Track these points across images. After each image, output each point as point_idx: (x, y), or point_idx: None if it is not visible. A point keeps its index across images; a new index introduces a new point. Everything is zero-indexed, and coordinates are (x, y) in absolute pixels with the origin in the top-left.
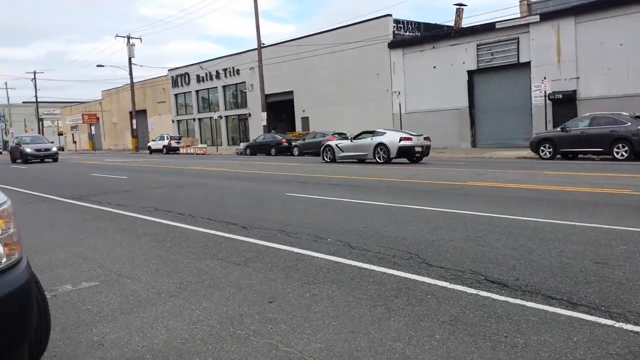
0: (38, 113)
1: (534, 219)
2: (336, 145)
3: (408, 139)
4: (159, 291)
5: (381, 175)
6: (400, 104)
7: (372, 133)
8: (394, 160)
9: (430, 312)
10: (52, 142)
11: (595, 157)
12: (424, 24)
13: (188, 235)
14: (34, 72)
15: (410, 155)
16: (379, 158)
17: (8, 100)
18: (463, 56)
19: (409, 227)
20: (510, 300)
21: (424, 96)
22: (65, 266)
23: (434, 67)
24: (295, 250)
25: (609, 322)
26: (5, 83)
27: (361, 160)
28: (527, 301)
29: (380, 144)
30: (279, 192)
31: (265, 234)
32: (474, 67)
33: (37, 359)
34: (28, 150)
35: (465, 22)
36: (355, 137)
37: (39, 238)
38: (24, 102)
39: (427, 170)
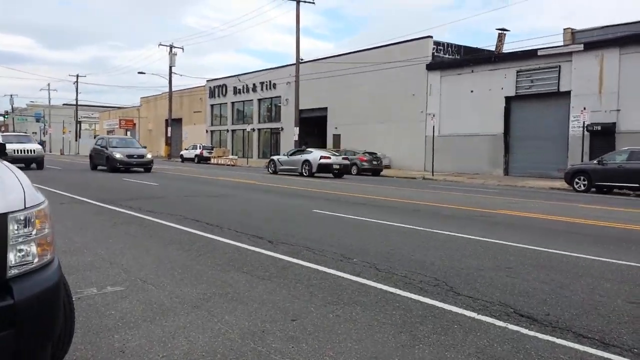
0: (77, 116)
1: (567, 253)
2: (277, 159)
3: (327, 157)
4: (183, 301)
5: (410, 198)
6: (434, 127)
7: (302, 151)
8: (316, 175)
9: (456, 342)
10: (145, 147)
11: (631, 192)
12: (464, 47)
13: (215, 246)
14: (77, 76)
15: (329, 170)
16: (304, 172)
17: (49, 101)
18: (502, 82)
19: (437, 252)
20: (540, 335)
21: (459, 120)
22: (92, 269)
23: (472, 91)
24: (321, 268)
25: None
26: (48, 84)
27: (293, 172)
28: (557, 338)
29: (305, 161)
30: (307, 208)
31: (291, 250)
32: (512, 93)
33: None
34: (118, 155)
35: (507, 48)
36: (291, 154)
37: (68, 239)
38: (64, 104)
39: (458, 195)
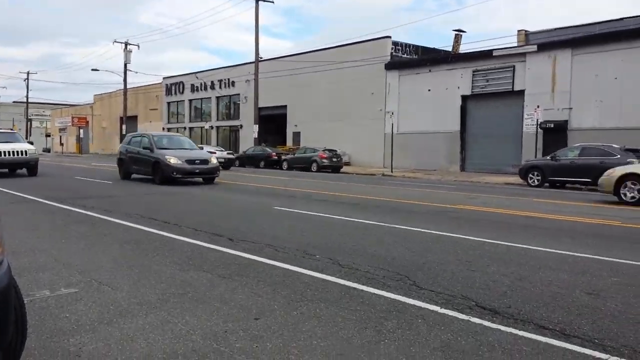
0: (27, 113)
1: (524, 246)
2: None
3: (213, 152)
4: (141, 302)
5: (370, 194)
6: (392, 124)
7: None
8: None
9: (421, 337)
10: (202, 147)
11: (583, 187)
12: (422, 47)
13: (173, 245)
14: (27, 73)
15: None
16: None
17: None
18: (458, 81)
19: (399, 247)
20: (502, 328)
21: (417, 118)
22: (45, 270)
23: (429, 90)
24: (283, 265)
25: (603, 355)
26: None
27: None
28: (519, 330)
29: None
30: (267, 205)
31: (252, 247)
32: (468, 92)
33: None
34: (172, 161)
35: (463, 49)
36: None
37: (19, 240)
38: (14, 102)
39: (417, 191)
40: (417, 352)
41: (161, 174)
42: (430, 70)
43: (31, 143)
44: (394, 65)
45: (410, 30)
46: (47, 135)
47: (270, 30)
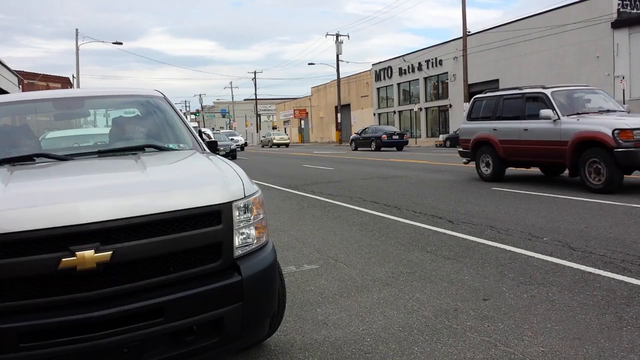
0: (257, 109)
1: None
2: None
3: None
4: (373, 279)
5: None
6: (624, 90)
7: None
8: None
9: None
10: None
11: None
12: None
13: (395, 227)
14: (254, 72)
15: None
16: None
17: (232, 98)
18: None
19: (638, 228)
20: None
21: None
22: (289, 249)
23: None
24: (508, 247)
25: None
26: (230, 83)
27: None
28: None
29: None
30: (484, 186)
31: (473, 229)
32: None
33: (273, 331)
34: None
35: None
36: None
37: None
38: (245, 99)
39: None
40: None
41: None
42: None
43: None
44: (622, 23)
45: None
46: (274, 128)
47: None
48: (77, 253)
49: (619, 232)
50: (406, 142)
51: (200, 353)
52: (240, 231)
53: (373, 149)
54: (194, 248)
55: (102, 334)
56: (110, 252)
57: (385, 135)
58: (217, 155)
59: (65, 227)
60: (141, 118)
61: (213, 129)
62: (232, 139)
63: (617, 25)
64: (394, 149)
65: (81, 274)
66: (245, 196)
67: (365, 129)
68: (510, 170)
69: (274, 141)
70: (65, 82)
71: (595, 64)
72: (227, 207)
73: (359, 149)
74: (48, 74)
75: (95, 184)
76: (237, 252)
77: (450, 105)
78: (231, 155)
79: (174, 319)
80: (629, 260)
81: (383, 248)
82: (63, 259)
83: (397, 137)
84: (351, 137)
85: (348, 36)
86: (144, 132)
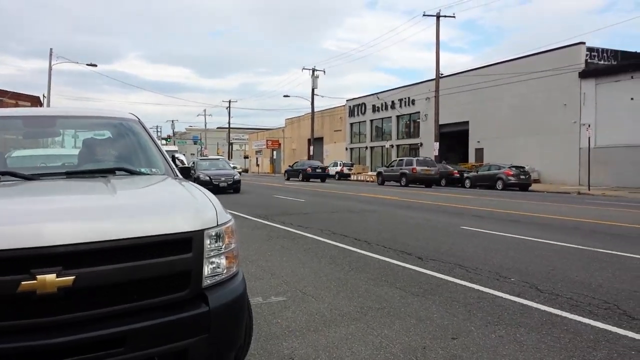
0: (229, 138)
1: None
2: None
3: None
4: (342, 313)
5: (566, 214)
6: (589, 138)
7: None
8: None
9: None
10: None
11: None
12: (621, 52)
13: (365, 261)
14: (229, 101)
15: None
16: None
17: (205, 125)
18: None
19: (604, 273)
20: None
21: (618, 130)
22: (256, 279)
23: (632, 98)
24: (476, 287)
25: None
26: (204, 110)
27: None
28: None
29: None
30: (453, 225)
31: (442, 267)
32: None
33: None
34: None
35: None
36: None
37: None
38: (217, 128)
39: (624, 212)
40: None
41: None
42: (632, 77)
43: (234, 167)
44: (589, 73)
45: (601, 35)
46: (246, 157)
47: (448, 45)
48: (37, 276)
49: (585, 275)
50: (327, 175)
51: None
52: (211, 260)
53: (300, 179)
54: (161, 276)
55: None
56: (73, 277)
57: (309, 169)
58: (190, 182)
59: (27, 248)
60: (113, 140)
61: (184, 154)
62: (234, 167)
63: (584, 75)
64: (319, 180)
65: (40, 299)
66: (218, 224)
67: (296, 162)
68: (476, 210)
69: None
70: (35, 101)
71: (563, 111)
72: (199, 235)
73: (290, 179)
74: (18, 92)
75: (61, 206)
76: (206, 282)
77: (421, 144)
78: (233, 188)
79: (135, 349)
80: (594, 304)
81: (352, 282)
82: (22, 282)
83: (319, 170)
84: (285, 169)
85: (324, 71)
86: (116, 155)
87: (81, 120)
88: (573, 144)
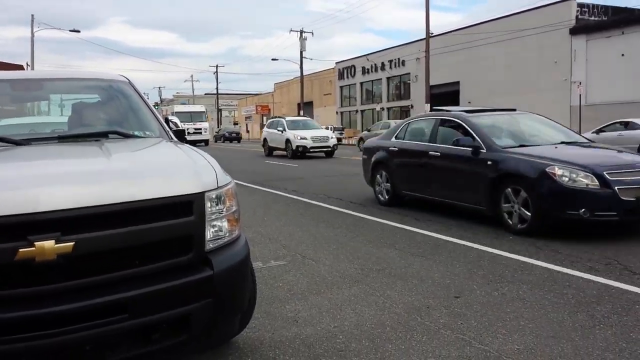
0: (218, 104)
1: None
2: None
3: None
4: (343, 275)
5: None
6: (580, 95)
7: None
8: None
9: None
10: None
11: None
12: (612, 7)
13: (363, 224)
14: (217, 66)
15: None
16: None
17: (193, 91)
18: None
19: (599, 229)
20: None
21: (610, 87)
22: (255, 245)
23: (622, 54)
24: (475, 245)
25: None
26: (191, 76)
27: None
28: None
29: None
30: None
31: (440, 227)
32: None
33: (242, 328)
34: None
35: None
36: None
37: None
38: (206, 94)
39: None
40: (639, 338)
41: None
42: (623, 33)
43: None
44: (579, 29)
45: None
46: (235, 124)
47: (436, 3)
48: (36, 243)
49: (581, 232)
50: (240, 138)
51: (167, 351)
52: (212, 223)
53: (222, 141)
54: (163, 240)
55: (62, 330)
56: (73, 243)
57: (226, 133)
58: (187, 145)
59: (23, 215)
60: (103, 103)
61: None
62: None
63: (575, 31)
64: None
65: (40, 266)
66: (218, 187)
67: (220, 128)
68: None
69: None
70: (19, 70)
71: (553, 69)
72: (199, 197)
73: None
74: (3, 61)
75: (56, 170)
76: (209, 246)
77: (412, 106)
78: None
79: (139, 316)
80: (594, 259)
81: (351, 244)
82: (20, 249)
83: (235, 134)
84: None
85: (312, 33)
86: (107, 118)
87: (70, 82)
88: (564, 101)
